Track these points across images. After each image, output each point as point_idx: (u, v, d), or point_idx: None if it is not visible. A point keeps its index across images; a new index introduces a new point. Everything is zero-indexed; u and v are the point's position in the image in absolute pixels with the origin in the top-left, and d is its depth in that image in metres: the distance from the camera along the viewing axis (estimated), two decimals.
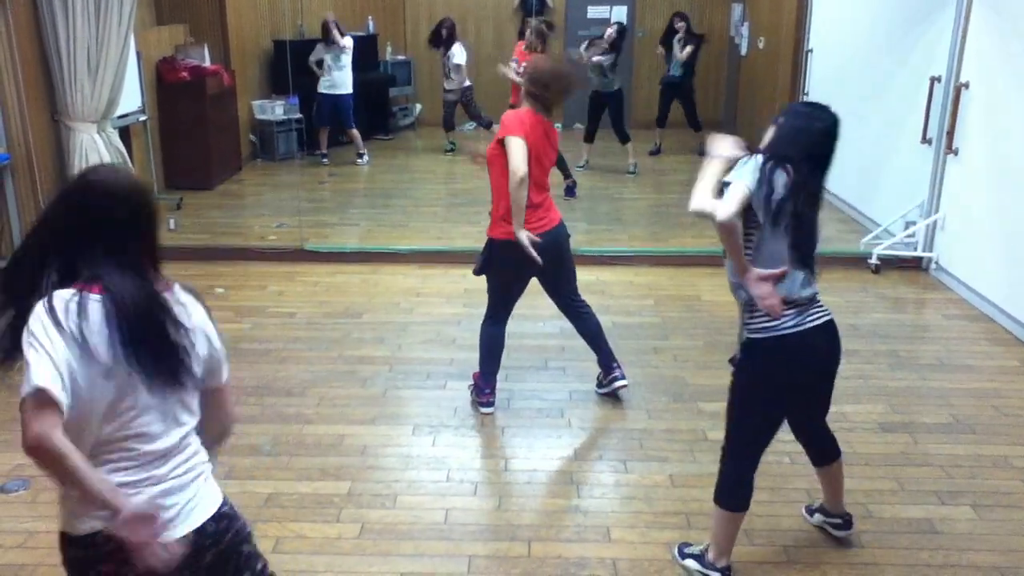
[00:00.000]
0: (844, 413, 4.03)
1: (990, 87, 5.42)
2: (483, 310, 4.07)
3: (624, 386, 4.15)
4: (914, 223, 6.15)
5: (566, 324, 5.08)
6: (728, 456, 2.81)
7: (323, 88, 9.16)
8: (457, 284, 5.66)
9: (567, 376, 4.45)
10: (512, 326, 4.70)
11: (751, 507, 2.86)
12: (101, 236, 1.76)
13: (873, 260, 6.09)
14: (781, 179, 2.55)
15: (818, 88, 7.83)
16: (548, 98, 3.77)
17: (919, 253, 6.13)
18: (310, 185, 8.66)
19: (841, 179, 2.69)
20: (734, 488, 2.80)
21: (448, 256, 6.14)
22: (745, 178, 2.52)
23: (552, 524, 3.23)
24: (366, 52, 10.41)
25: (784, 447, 3.29)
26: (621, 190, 8.62)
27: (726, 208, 2.46)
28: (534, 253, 3.69)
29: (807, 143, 2.61)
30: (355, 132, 9.35)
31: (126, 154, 6.16)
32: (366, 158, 9.49)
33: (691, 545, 2.99)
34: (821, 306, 2.72)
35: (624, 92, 9.15)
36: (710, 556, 2.89)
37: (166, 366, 1.76)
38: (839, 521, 3.12)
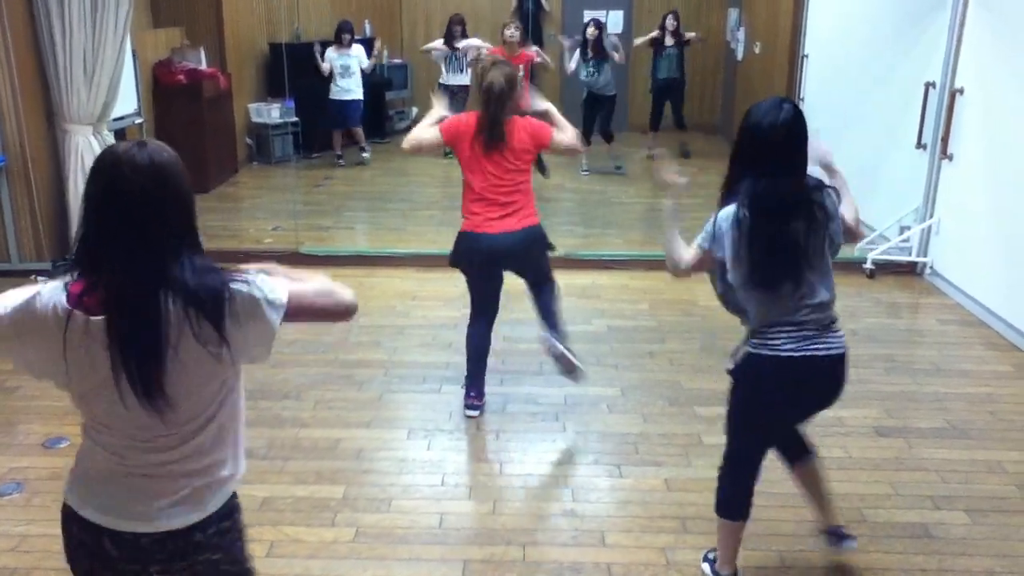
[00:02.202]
0: (840, 417, 4.03)
1: (985, 92, 5.43)
2: None
3: (547, 342, 4.04)
4: (909, 228, 6.17)
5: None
6: (727, 465, 2.79)
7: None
8: (454, 288, 5.63)
9: (562, 380, 4.44)
10: (507, 329, 4.72)
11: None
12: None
13: (868, 265, 6.10)
14: (730, 234, 2.53)
15: (814, 93, 7.85)
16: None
17: (914, 258, 6.14)
18: (306, 188, 8.66)
19: None
20: (731, 498, 2.78)
21: (445, 260, 6.08)
22: (699, 239, 2.66)
23: (547, 528, 3.23)
24: None
25: None
26: (617, 194, 8.63)
27: (686, 258, 2.69)
28: None
29: (750, 153, 2.56)
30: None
31: None
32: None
33: (715, 550, 2.96)
34: (834, 335, 2.62)
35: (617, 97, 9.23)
36: (717, 564, 2.90)
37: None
38: (831, 536, 2.97)
